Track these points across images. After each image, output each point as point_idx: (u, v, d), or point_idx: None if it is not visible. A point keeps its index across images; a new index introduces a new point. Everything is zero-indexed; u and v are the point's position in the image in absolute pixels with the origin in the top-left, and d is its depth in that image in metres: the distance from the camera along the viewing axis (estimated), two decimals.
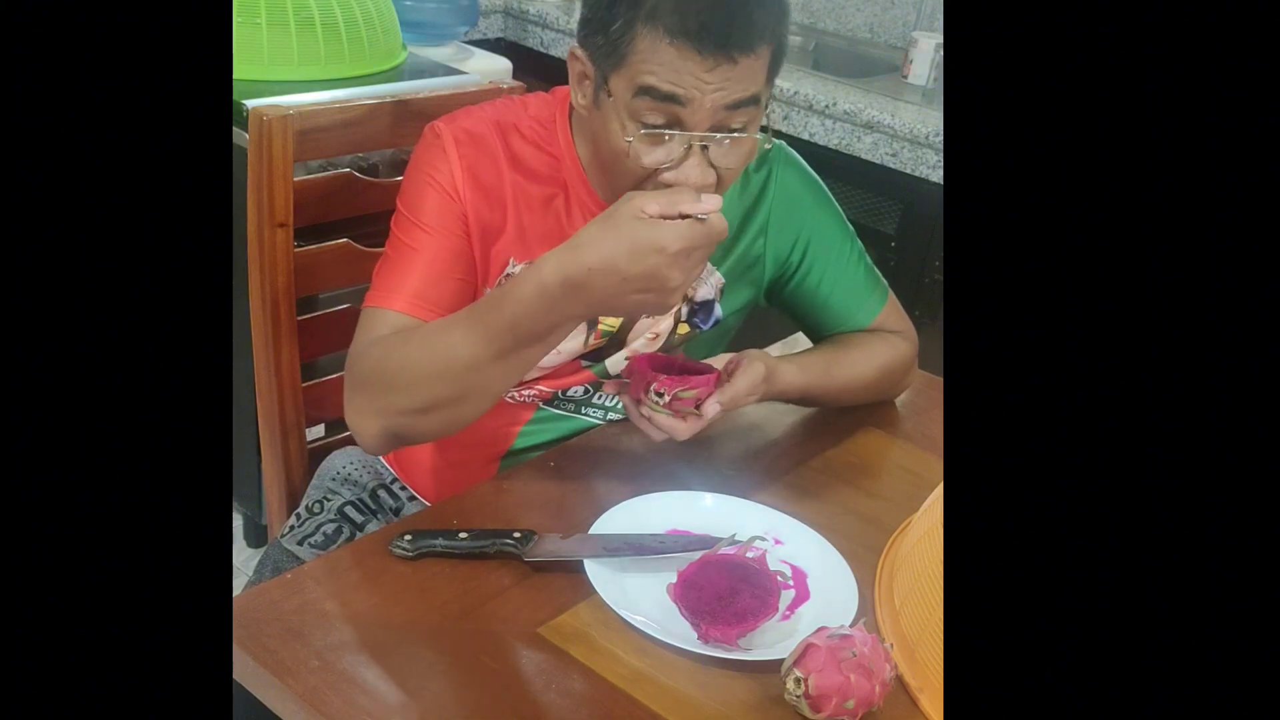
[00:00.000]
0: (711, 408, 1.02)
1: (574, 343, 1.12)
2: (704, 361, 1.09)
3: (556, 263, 0.88)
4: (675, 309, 1.15)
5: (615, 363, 1.16)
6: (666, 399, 1.00)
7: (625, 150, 0.95)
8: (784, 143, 1.18)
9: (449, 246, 1.05)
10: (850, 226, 1.23)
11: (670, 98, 0.93)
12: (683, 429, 1.02)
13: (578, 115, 1.10)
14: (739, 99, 0.94)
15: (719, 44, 0.91)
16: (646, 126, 0.95)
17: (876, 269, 1.25)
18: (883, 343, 1.24)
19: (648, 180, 0.97)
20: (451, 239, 1.05)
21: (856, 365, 1.21)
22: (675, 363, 1.05)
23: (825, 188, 1.21)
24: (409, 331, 1.00)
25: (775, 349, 1.43)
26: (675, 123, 0.95)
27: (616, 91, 0.95)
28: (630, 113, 0.95)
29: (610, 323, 1.13)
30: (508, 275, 1.09)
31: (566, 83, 1.14)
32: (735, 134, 0.97)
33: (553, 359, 1.13)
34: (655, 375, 1.01)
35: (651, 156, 0.96)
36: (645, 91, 0.93)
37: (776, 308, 1.25)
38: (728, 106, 0.94)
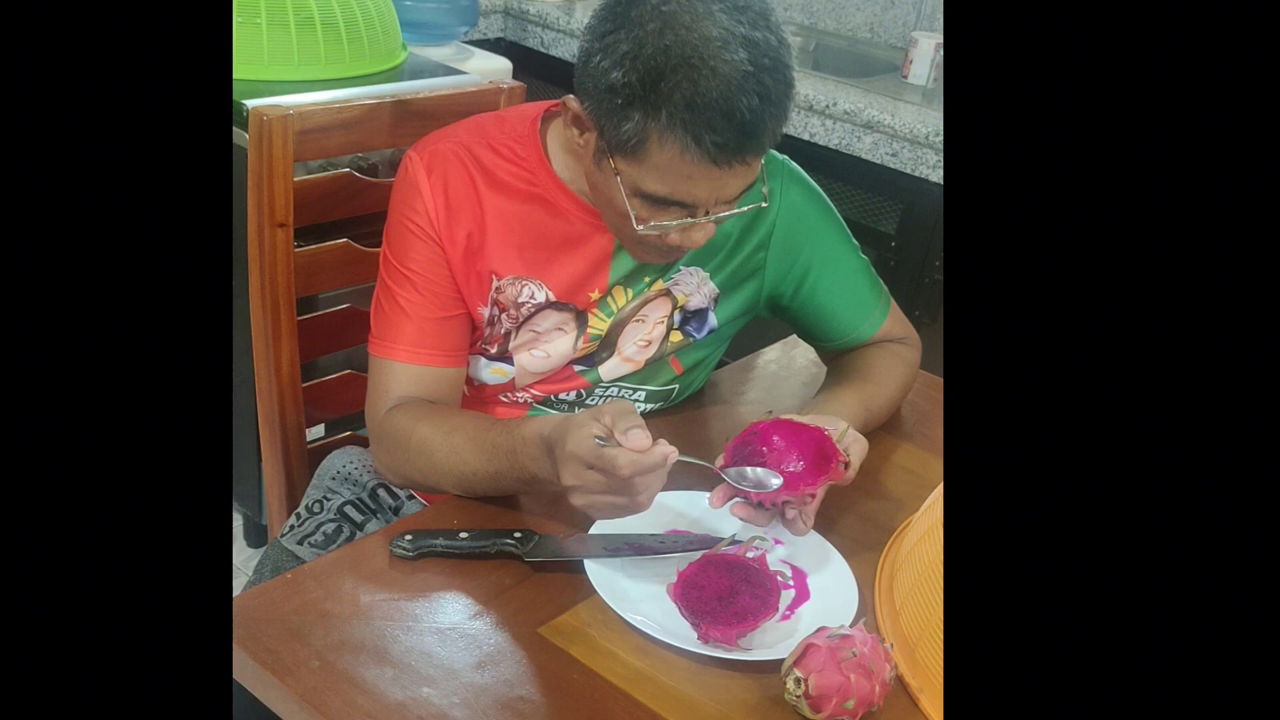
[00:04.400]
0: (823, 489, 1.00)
1: (564, 345, 1.13)
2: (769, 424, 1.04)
3: (552, 423, 0.93)
4: (668, 315, 1.15)
5: (609, 369, 1.16)
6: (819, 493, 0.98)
7: (628, 215, 0.99)
8: (787, 157, 1.18)
9: (436, 293, 1.09)
10: (853, 239, 1.23)
11: (680, 203, 0.97)
12: (807, 528, 1.00)
13: (558, 126, 1.10)
14: (743, 188, 1.00)
15: (735, 156, 0.94)
16: (652, 203, 0.98)
17: (879, 277, 1.25)
18: (898, 360, 1.24)
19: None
20: (437, 285, 1.09)
21: (884, 392, 1.21)
22: (760, 451, 1.01)
23: (828, 200, 1.21)
24: (426, 414, 1.07)
25: (774, 350, 1.43)
26: (681, 206, 0.98)
27: (624, 172, 0.98)
28: (635, 193, 0.98)
29: (599, 326, 1.13)
30: (498, 289, 1.09)
31: (566, 81, 1.14)
32: (738, 211, 1.02)
33: (544, 364, 1.13)
34: (807, 486, 0.97)
35: (655, 225, 1.00)
36: (655, 196, 0.97)
37: (779, 319, 1.25)
38: (732, 198, 1.00)
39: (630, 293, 1.13)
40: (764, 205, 1.06)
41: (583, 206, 1.09)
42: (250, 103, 1.60)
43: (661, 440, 0.88)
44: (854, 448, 1.03)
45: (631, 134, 0.93)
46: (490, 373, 1.14)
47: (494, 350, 1.13)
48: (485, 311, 1.11)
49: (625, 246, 1.09)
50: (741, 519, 0.99)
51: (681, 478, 1.07)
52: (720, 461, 1.00)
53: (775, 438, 1.02)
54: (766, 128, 0.94)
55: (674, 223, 0.99)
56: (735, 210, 1.02)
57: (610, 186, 0.99)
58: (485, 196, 1.08)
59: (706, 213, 0.99)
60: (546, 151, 1.10)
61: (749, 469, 0.99)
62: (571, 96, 1.00)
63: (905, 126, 2.08)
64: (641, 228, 0.99)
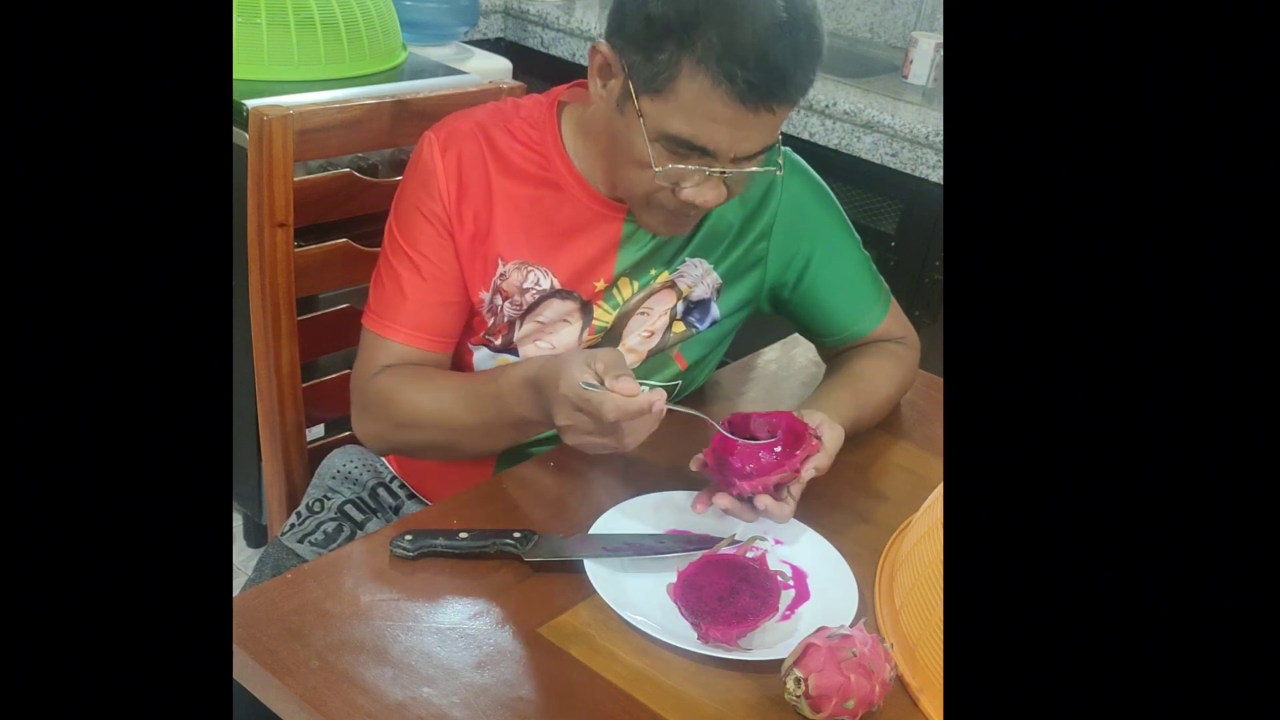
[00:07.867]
0: (809, 472, 1.00)
1: (569, 336, 1.13)
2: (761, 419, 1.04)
3: (538, 364, 0.98)
4: (671, 307, 1.15)
5: None
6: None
7: (647, 163, 0.99)
8: (789, 148, 1.18)
9: (439, 279, 1.10)
10: (855, 233, 1.23)
11: (703, 148, 0.97)
12: (787, 510, 0.99)
13: (571, 112, 1.11)
14: (765, 145, 1.00)
15: (762, 101, 0.94)
16: (672, 148, 0.98)
17: (879, 274, 1.25)
18: (894, 359, 1.24)
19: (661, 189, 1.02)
20: (441, 270, 1.09)
21: (879, 391, 1.21)
22: (739, 447, 1.01)
23: (831, 193, 1.21)
24: (414, 374, 1.09)
25: (774, 350, 1.43)
26: (701, 154, 0.98)
27: (648, 114, 0.98)
28: (657, 136, 0.98)
29: (604, 319, 1.13)
30: (502, 275, 1.09)
31: (566, 83, 1.14)
32: (753, 169, 1.02)
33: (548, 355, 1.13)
34: (789, 464, 0.98)
35: (671, 176, 1.00)
36: (678, 138, 0.97)
37: (780, 314, 1.25)
38: (751, 153, 0.99)
39: (636, 285, 1.13)
40: (778, 173, 1.07)
41: (592, 194, 1.10)
42: (250, 103, 1.60)
43: (651, 385, 0.89)
44: (828, 434, 1.02)
45: (663, 67, 0.94)
46: (495, 364, 1.14)
47: (498, 342, 1.13)
48: (485, 297, 1.11)
49: (635, 213, 1.09)
50: (725, 510, 1.00)
51: (681, 478, 1.07)
52: (722, 421, 1.01)
53: (744, 440, 1.02)
54: (795, 79, 0.95)
55: (690, 167, 0.99)
56: (750, 169, 1.01)
57: (631, 131, 0.99)
58: (495, 179, 1.09)
59: (723, 172, 1.00)
60: (562, 137, 1.11)
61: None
62: (601, 41, 1.01)
63: (905, 126, 2.08)
64: (660, 169, 0.98)
